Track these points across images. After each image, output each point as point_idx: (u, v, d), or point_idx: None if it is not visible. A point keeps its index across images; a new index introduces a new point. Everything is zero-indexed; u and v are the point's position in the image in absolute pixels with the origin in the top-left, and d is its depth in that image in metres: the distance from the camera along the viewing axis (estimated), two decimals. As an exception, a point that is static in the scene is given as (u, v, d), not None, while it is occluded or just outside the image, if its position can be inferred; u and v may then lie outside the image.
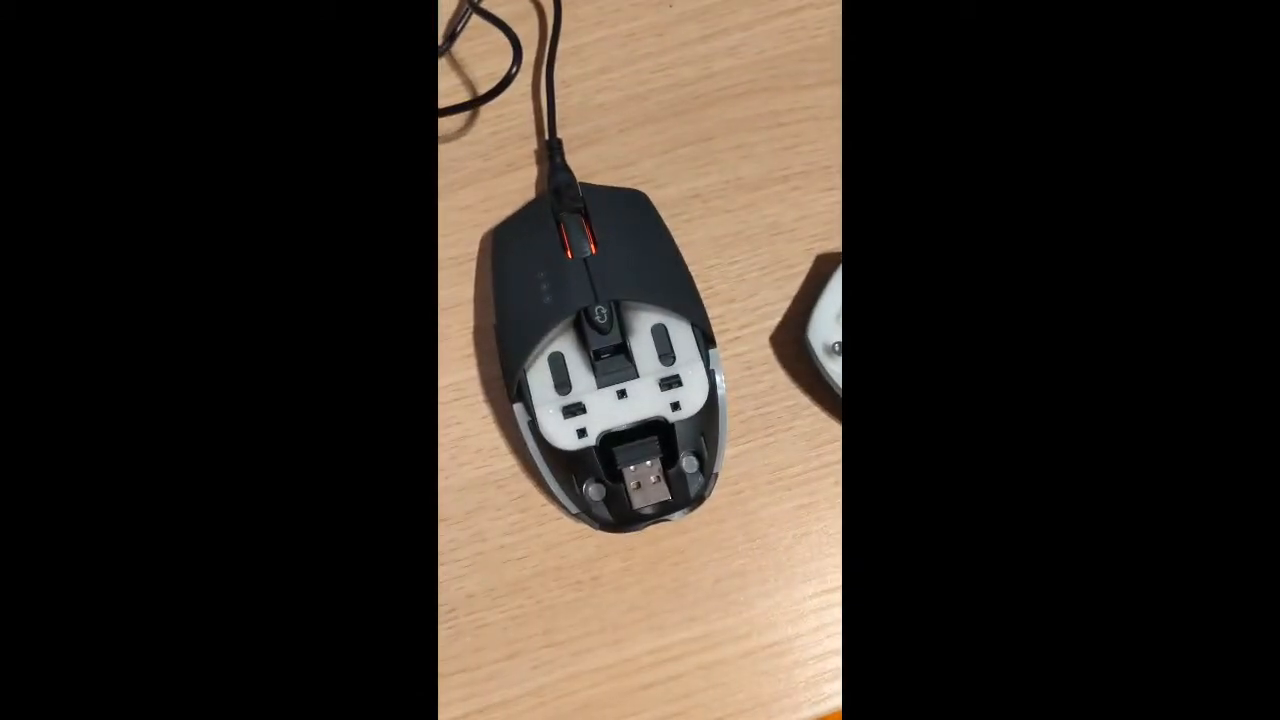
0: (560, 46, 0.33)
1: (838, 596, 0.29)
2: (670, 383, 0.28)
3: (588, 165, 0.32)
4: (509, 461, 0.30)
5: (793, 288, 0.31)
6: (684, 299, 0.30)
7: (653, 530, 0.29)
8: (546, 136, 0.32)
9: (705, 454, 0.28)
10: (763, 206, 0.32)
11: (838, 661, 0.29)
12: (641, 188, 0.32)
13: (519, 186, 0.33)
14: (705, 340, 0.29)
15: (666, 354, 0.29)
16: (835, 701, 0.29)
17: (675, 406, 0.28)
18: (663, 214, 0.32)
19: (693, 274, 0.31)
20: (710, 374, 0.29)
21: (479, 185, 0.33)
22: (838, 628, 0.29)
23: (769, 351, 0.31)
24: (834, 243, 0.32)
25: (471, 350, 0.31)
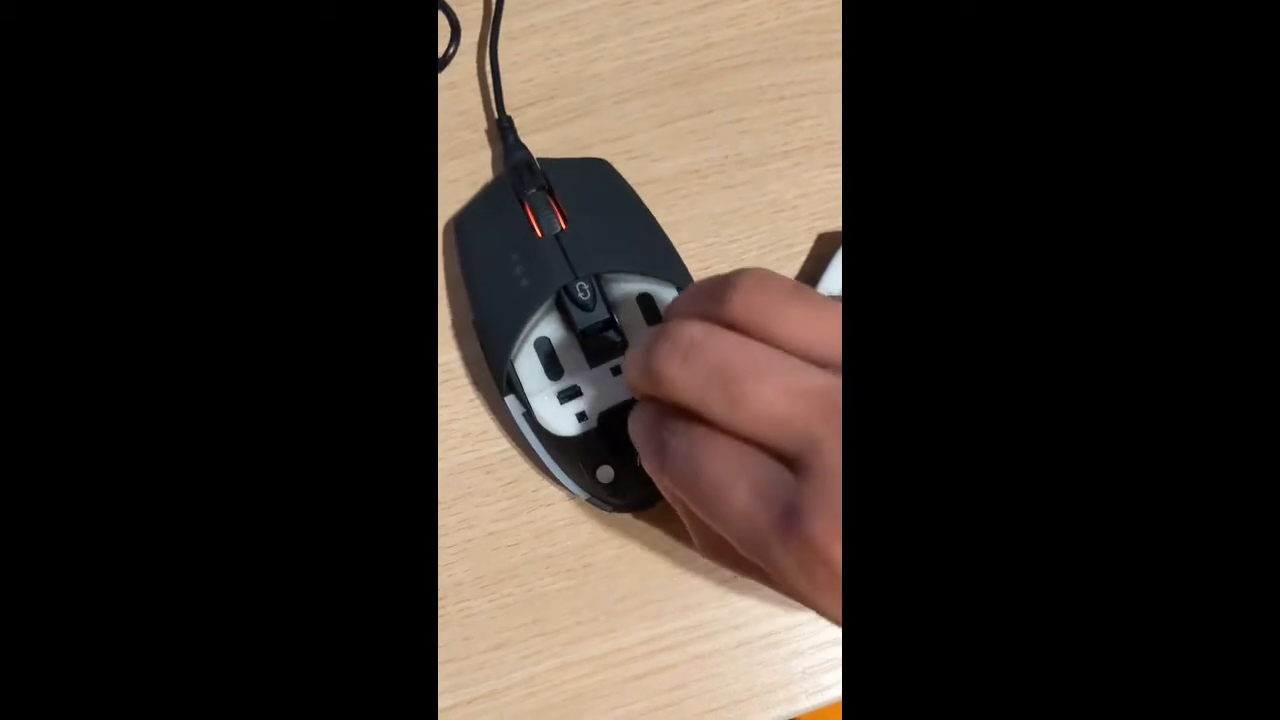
0: (555, 13, 0.32)
1: (836, 585, 0.29)
2: None
3: (581, 138, 0.31)
4: (498, 446, 0.29)
5: (794, 268, 0.30)
6: (665, 263, 0.29)
7: (647, 517, 0.29)
8: (496, 116, 0.31)
9: None
10: (763, 183, 0.31)
11: (836, 652, 0.28)
12: (637, 162, 0.31)
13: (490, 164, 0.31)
14: None
15: (656, 322, 0.28)
16: (833, 693, 0.28)
17: None
18: (659, 190, 0.31)
19: (689, 254, 0.30)
20: None
21: (466, 158, 0.31)
22: (836, 617, 0.29)
23: (768, 333, 0.30)
24: (837, 221, 0.31)
25: (451, 335, 0.30)
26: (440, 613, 0.28)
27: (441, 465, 0.29)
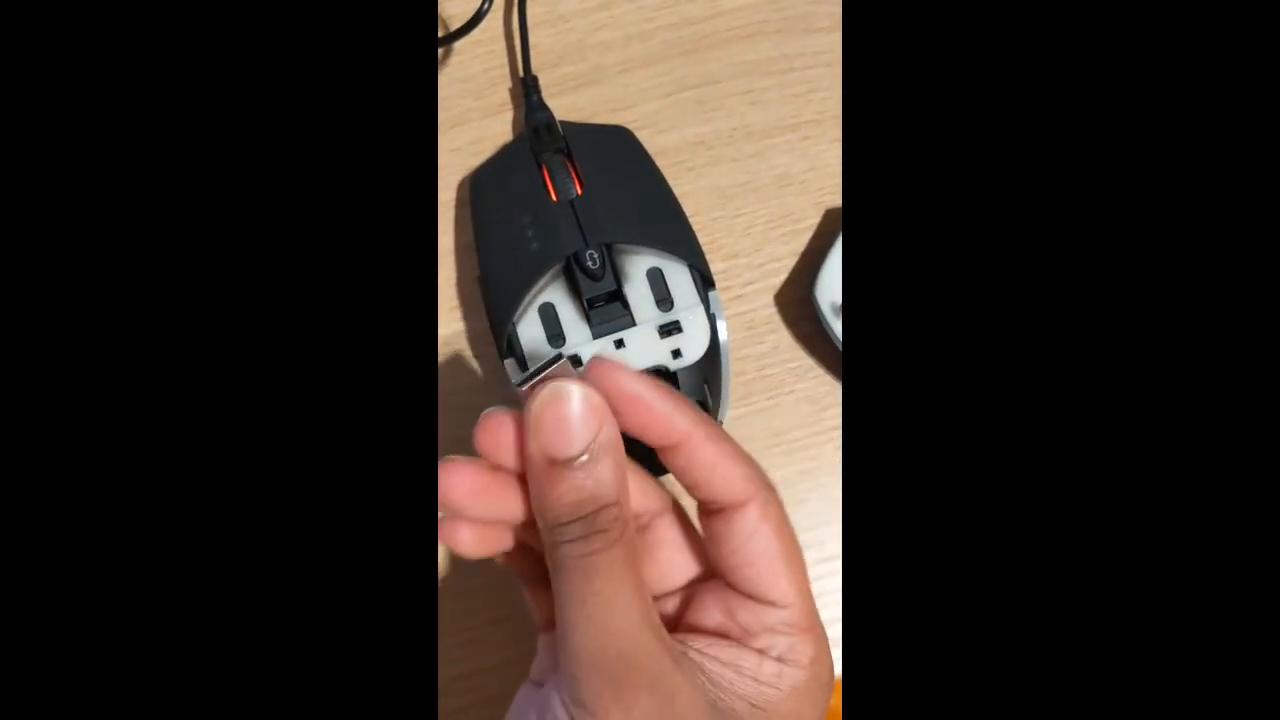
0: (559, -22, 0.31)
1: (836, 565, 0.29)
2: (670, 329, 0.27)
3: (586, 107, 0.31)
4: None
5: (800, 243, 0.30)
6: (679, 239, 0.28)
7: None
8: (521, 75, 0.30)
9: (710, 402, 0.27)
10: (771, 156, 0.30)
11: (834, 631, 0.28)
12: (643, 132, 0.30)
13: (508, 128, 0.31)
14: (704, 282, 0.28)
15: (664, 299, 0.27)
16: (831, 673, 0.28)
17: (676, 354, 0.27)
18: (664, 161, 0.30)
19: (695, 227, 0.29)
20: (711, 318, 0.27)
21: (470, 126, 0.31)
22: (835, 597, 0.28)
23: (773, 310, 0.30)
24: (844, 197, 0.30)
25: (456, 303, 0.30)
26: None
27: (440, 439, 0.29)
